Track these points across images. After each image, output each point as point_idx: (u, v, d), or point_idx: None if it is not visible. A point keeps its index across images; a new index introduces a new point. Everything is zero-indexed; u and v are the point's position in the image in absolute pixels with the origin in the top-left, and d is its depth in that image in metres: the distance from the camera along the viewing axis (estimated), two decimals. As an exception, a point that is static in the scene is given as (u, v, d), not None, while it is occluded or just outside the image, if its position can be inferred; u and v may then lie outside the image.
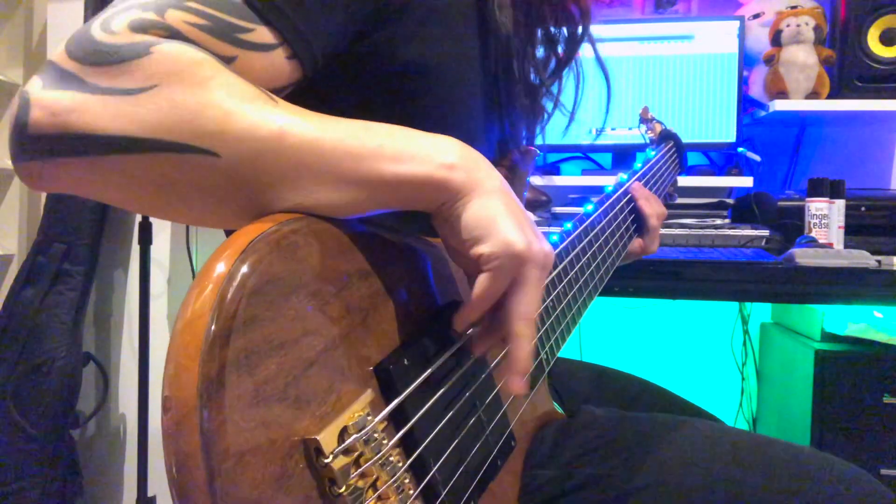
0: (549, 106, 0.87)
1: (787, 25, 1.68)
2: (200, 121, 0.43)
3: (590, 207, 0.85)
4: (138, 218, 1.87)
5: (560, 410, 0.80)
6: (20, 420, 1.76)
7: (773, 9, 1.73)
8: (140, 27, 0.45)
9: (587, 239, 0.80)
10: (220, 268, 0.38)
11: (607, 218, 0.88)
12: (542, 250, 0.51)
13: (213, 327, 0.36)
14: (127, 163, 0.43)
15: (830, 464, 0.71)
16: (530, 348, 0.52)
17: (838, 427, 1.44)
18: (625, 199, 0.95)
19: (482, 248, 0.49)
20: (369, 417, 0.45)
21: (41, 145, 0.43)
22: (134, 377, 1.85)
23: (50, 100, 0.43)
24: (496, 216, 0.50)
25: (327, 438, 0.41)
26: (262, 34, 0.50)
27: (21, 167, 0.45)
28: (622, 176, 1.00)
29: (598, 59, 0.87)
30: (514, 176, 0.79)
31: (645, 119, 1.33)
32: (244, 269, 0.38)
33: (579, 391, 0.98)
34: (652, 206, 0.99)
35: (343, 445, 0.42)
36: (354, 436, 0.42)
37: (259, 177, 0.44)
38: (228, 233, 0.73)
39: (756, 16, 1.77)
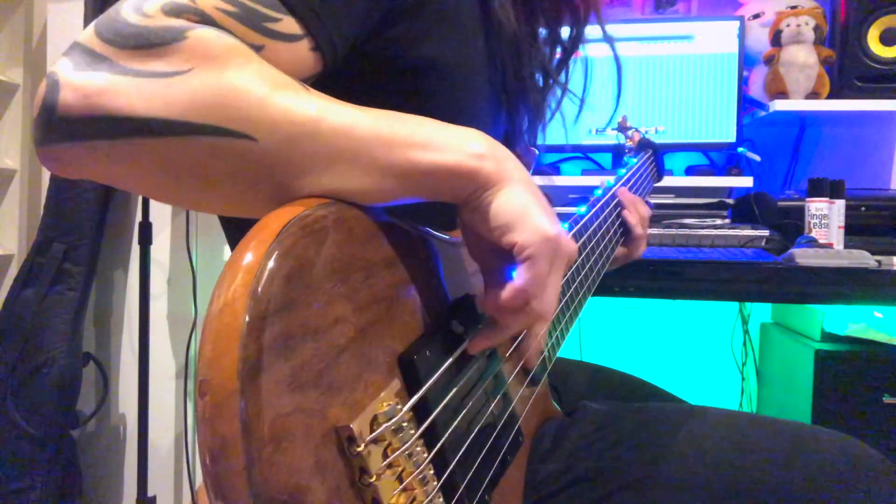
0: (552, 103, 0.87)
1: (787, 25, 1.69)
2: (236, 105, 0.43)
3: (582, 210, 0.86)
4: (138, 218, 1.86)
5: (558, 408, 0.80)
6: (20, 420, 1.75)
7: (773, 9, 1.74)
8: (173, 11, 0.45)
9: (581, 240, 0.81)
10: (257, 251, 0.37)
11: (598, 220, 0.89)
12: (569, 244, 0.52)
13: (252, 310, 0.35)
14: (158, 146, 0.42)
15: (822, 434, 0.74)
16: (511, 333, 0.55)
17: (838, 427, 1.44)
18: (612, 204, 0.96)
19: (515, 237, 0.50)
20: (398, 407, 0.44)
21: (70, 128, 0.42)
22: (134, 377, 1.85)
23: (81, 81, 0.41)
24: (527, 205, 0.50)
25: (359, 427, 0.41)
26: (289, 24, 0.50)
27: (47, 152, 0.44)
28: (609, 181, 1.01)
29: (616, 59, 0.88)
30: None
31: (623, 128, 1.37)
32: (280, 252, 0.38)
33: (576, 389, 0.99)
34: (636, 214, 1.00)
35: (375, 433, 0.41)
36: (385, 424, 0.42)
37: (294, 161, 0.44)
38: (229, 235, 0.74)
39: (756, 16, 1.78)
